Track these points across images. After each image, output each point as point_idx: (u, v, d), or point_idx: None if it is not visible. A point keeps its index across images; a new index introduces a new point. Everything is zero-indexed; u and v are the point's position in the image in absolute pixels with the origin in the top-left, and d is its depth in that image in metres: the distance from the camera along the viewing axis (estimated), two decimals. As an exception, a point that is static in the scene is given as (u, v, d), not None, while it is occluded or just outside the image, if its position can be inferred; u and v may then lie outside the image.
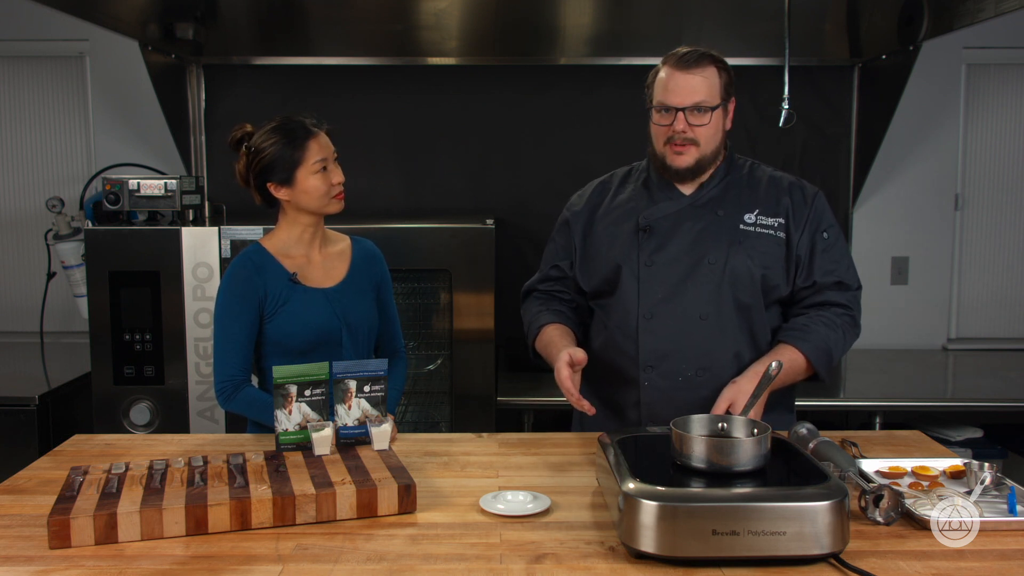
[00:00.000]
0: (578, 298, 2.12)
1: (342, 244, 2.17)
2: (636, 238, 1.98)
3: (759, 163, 2.07)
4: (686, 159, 1.93)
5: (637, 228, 1.98)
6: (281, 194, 2.03)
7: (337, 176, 2.05)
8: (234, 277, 2.03)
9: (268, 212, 2.12)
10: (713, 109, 1.90)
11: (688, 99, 1.89)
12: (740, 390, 1.83)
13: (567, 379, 1.81)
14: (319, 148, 2.02)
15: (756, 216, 1.97)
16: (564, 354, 1.83)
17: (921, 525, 1.46)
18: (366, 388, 1.78)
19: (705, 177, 1.99)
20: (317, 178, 2.01)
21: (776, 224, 1.96)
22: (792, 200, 1.98)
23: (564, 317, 2.08)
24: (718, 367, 1.92)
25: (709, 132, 1.92)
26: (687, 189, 2.00)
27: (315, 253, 2.10)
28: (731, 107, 1.97)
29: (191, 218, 3.10)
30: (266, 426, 1.99)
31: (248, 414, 2.05)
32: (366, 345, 2.14)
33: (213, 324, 2.06)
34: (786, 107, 2.84)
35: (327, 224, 2.16)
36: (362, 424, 1.77)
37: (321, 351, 2.00)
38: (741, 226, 1.95)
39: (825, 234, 1.97)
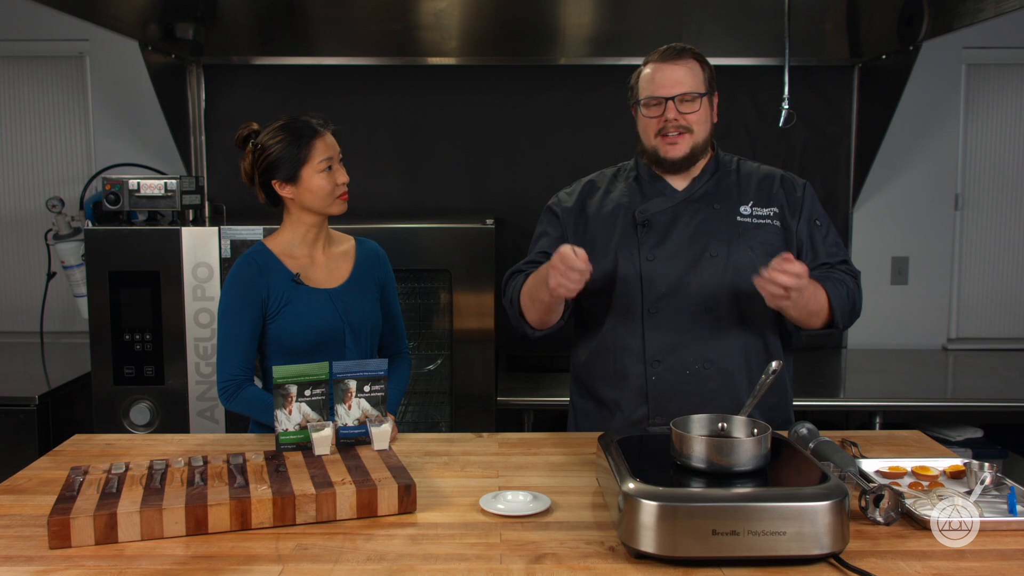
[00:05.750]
0: None
1: (346, 244, 2.17)
2: (634, 233, 1.99)
3: (744, 158, 2.11)
4: (680, 148, 1.96)
5: (634, 223, 1.99)
6: (285, 192, 2.04)
7: (342, 176, 2.05)
8: (237, 277, 2.03)
9: (269, 212, 2.12)
10: (701, 96, 1.95)
11: (676, 88, 1.94)
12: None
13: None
14: (325, 147, 2.03)
15: (751, 208, 2.00)
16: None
17: (921, 525, 1.46)
18: (366, 388, 1.78)
19: (696, 172, 2.01)
20: (322, 177, 2.02)
21: (771, 213, 2.00)
22: (785, 190, 2.02)
23: None
24: (724, 359, 1.94)
25: (700, 119, 1.96)
26: (679, 184, 2.02)
27: (319, 253, 2.11)
28: (715, 101, 2.01)
29: (191, 218, 3.09)
30: (268, 426, 1.99)
31: (250, 413, 2.05)
32: (369, 345, 2.14)
33: (216, 324, 2.06)
34: (786, 107, 2.84)
35: (331, 224, 2.16)
36: (362, 424, 1.77)
37: (324, 351, 2.00)
38: (738, 218, 1.98)
39: (819, 222, 2.02)
